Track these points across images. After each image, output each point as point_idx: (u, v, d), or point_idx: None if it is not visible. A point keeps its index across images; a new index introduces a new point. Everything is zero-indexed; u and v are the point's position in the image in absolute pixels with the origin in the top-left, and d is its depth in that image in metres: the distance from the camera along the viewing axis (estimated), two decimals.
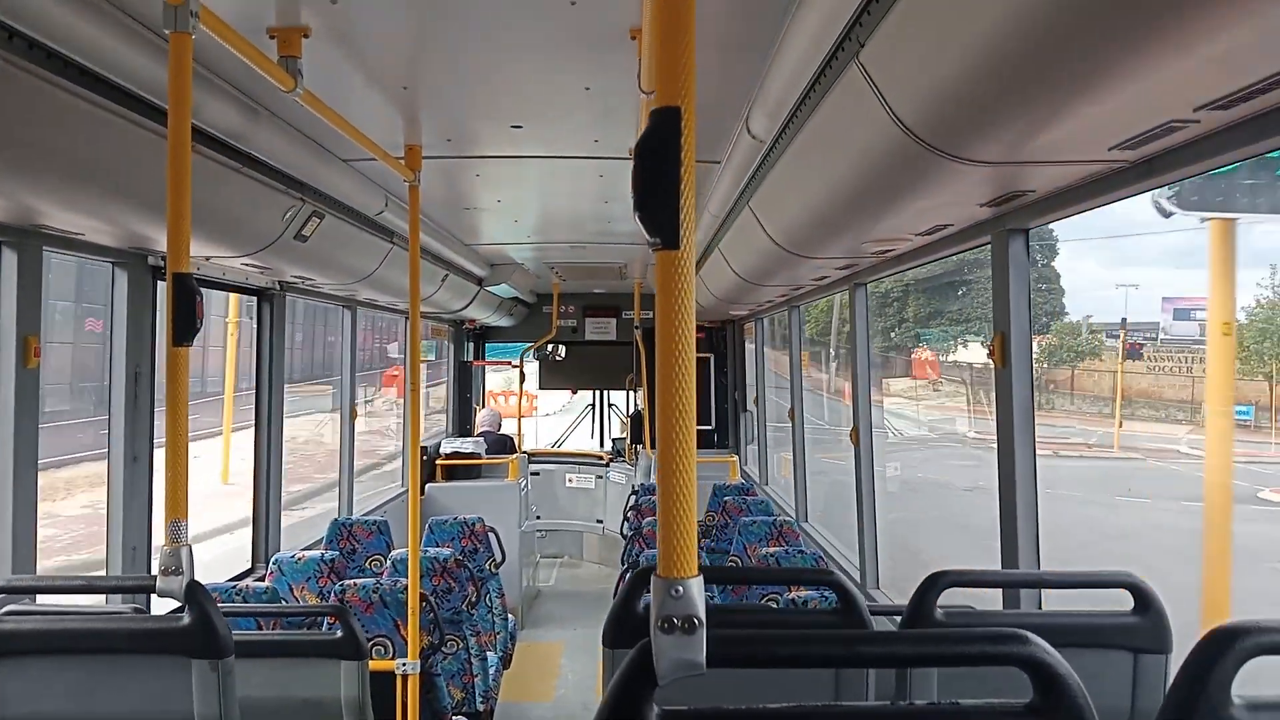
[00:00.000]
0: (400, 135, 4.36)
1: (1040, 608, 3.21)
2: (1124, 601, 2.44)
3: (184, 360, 2.32)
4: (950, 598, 2.50)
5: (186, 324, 2.28)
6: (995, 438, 3.41)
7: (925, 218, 3.46)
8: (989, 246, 3.48)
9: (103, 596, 4.19)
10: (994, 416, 3.50)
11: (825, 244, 4.30)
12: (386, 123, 4.15)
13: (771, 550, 5.28)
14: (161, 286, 4.42)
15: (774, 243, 4.54)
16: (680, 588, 1.20)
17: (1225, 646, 1.30)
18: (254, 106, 3.64)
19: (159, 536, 2.59)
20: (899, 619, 2.48)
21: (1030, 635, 1.20)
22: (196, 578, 2.29)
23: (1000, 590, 3.29)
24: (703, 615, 1.19)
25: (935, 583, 2.34)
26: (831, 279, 5.56)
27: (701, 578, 1.21)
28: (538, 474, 11.03)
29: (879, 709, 1.22)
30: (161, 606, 3.55)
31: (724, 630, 1.20)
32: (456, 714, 4.87)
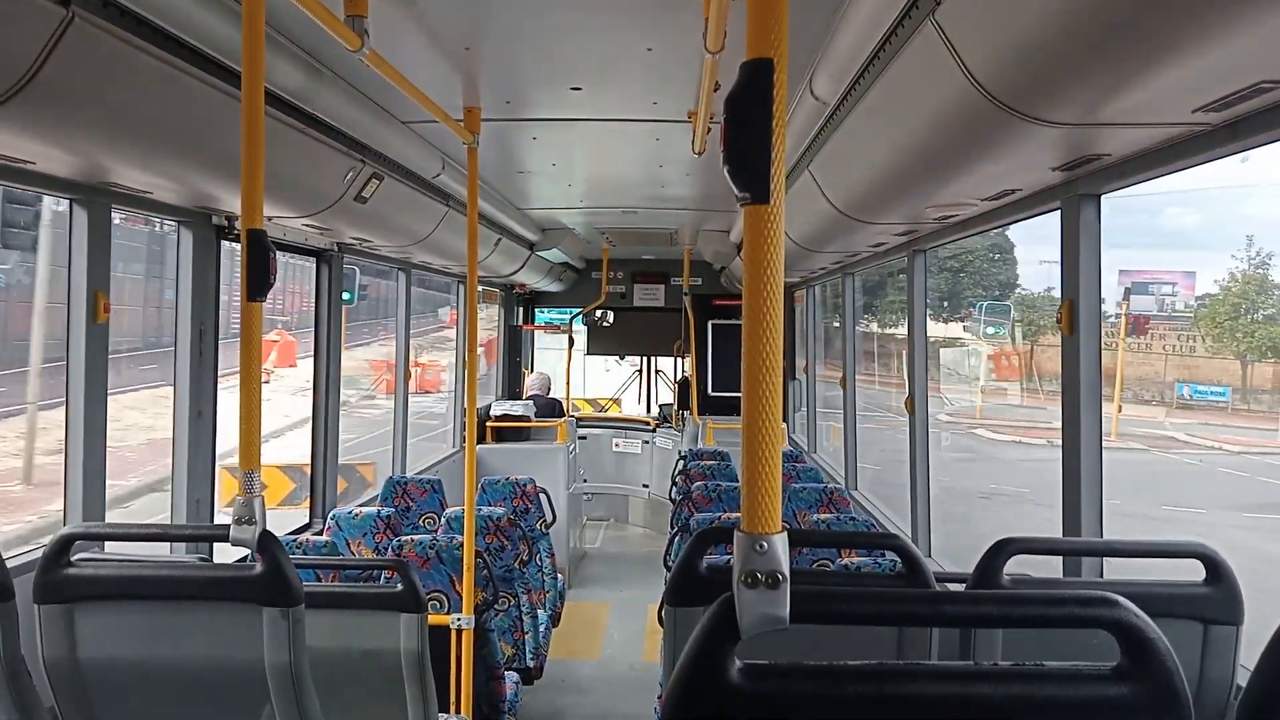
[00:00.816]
0: (460, 97, 4.37)
1: (1101, 576, 3.18)
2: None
3: (258, 315, 2.36)
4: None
5: (261, 279, 2.32)
6: (1061, 407, 3.36)
7: (993, 182, 3.39)
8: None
9: (167, 548, 4.31)
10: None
11: (887, 209, 4.24)
12: (447, 84, 4.15)
13: (822, 516, 5.27)
14: (224, 246, 4.50)
15: (833, 207, 4.48)
16: (765, 543, 1.20)
17: None
18: (318, 67, 3.66)
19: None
20: (963, 585, 2.47)
21: (1119, 599, 1.19)
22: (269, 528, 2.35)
23: (1060, 560, 3.25)
24: (786, 571, 1.19)
25: (1002, 549, 2.32)
26: (889, 245, 5.48)
27: (785, 534, 1.21)
28: (585, 438, 11.11)
29: (961, 668, 1.21)
30: (225, 559, 3.66)
31: (806, 585, 1.21)
32: (508, 669, 4.96)
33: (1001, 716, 1.19)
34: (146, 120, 3.05)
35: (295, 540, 4.32)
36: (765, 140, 1.17)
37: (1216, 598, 2.33)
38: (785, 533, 1.21)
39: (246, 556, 2.43)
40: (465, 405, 4.72)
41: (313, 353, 5.86)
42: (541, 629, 5.78)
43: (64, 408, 3.66)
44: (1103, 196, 3.31)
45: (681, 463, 7.69)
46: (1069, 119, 2.49)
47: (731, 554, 1.24)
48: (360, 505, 5.57)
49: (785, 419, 10.52)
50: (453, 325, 10.53)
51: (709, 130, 4.39)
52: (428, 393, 16.36)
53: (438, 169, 5.31)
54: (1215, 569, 2.35)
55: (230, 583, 2.39)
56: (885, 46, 3.02)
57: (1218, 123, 2.48)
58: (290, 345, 18.97)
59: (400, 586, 3.32)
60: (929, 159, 3.18)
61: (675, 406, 11.54)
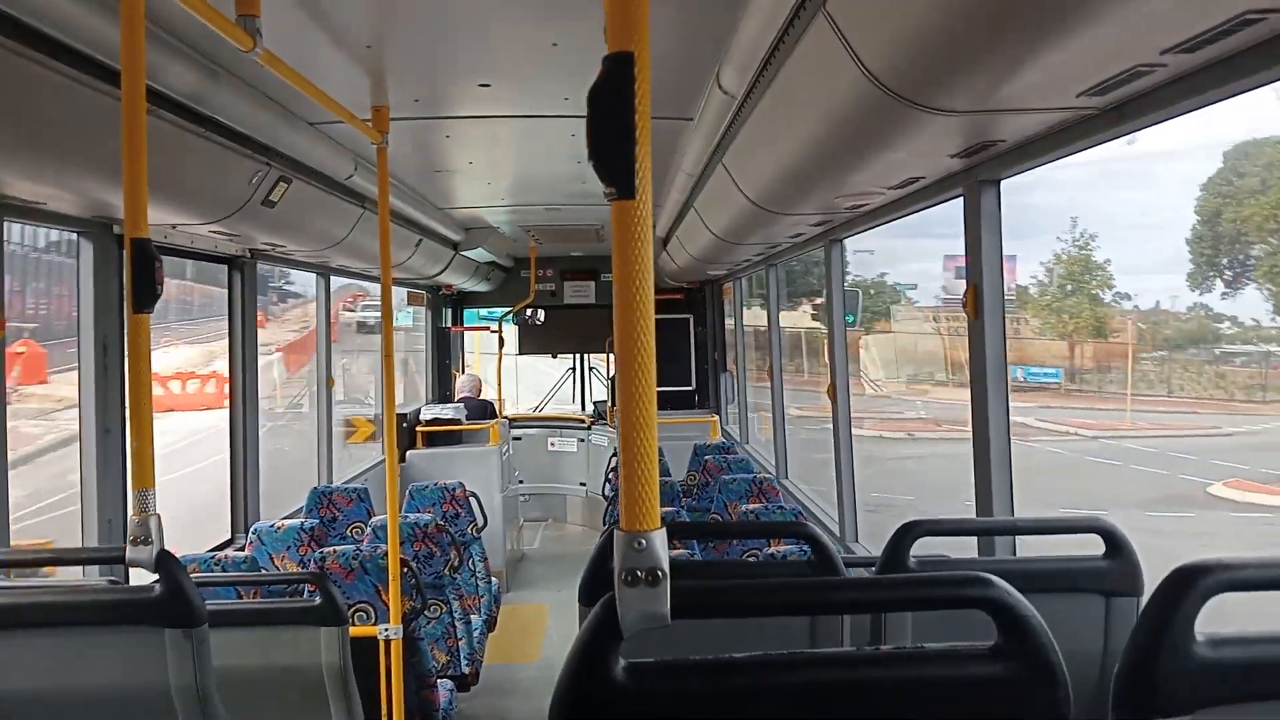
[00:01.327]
0: (366, 96, 4.29)
1: (1015, 555, 3.25)
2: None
3: (146, 328, 2.28)
4: (926, 549, 2.52)
5: (147, 291, 2.24)
6: (969, 389, 3.43)
7: (897, 170, 3.45)
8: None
9: (79, 571, 4.17)
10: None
11: (799, 200, 4.28)
12: (352, 83, 4.07)
13: (752, 507, 5.31)
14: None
15: (749, 200, 4.52)
16: (643, 540, 1.19)
17: (1189, 584, 1.32)
18: (213, 68, 3.56)
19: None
20: (873, 570, 2.50)
21: (993, 578, 1.21)
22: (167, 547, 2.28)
23: (976, 542, 3.32)
24: (666, 567, 1.19)
25: (908, 532, 2.35)
26: (807, 236, 5.54)
27: (665, 530, 1.21)
28: (519, 438, 11.04)
29: (842, 654, 1.23)
30: (139, 579, 3.54)
31: (687, 581, 1.20)
32: (441, 677, 4.90)
33: (887, 699, 1.21)
34: (29, 128, 2.94)
35: (215, 557, 4.21)
36: (628, 135, 1.17)
37: (1116, 570, 2.39)
38: (664, 529, 1.21)
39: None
40: (385, 410, 4.66)
41: (228, 363, 5.71)
42: (476, 634, 5.72)
43: None
44: (1002, 182, 3.38)
45: (614, 459, 7.69)
46: (962, 107, 2.53)
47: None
48: (284, 518, 5.45)
49: (719, 412, 10.59)
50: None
51: None
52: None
53: (350, 170, 5.21)
54: (1114, 542, 2.42)
55: (129, 605, 2.31)
56: (784, 39, 3.05)
57: (1101, 106, 2.55)
58: (38, 357, 14.70)
59: (319, 600, 3.26)
60: (833, 150, 3.21)
61: (609, 403, 11.53)
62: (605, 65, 1.19)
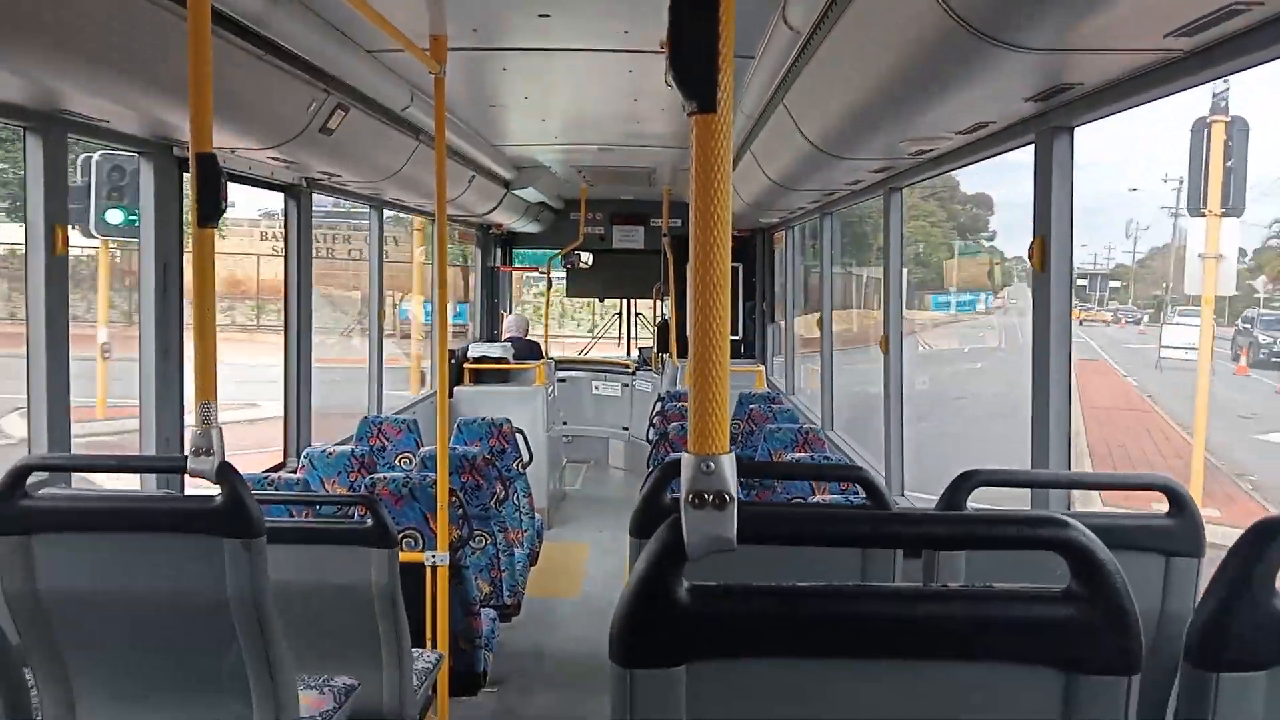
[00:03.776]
0: (425, 24, 4.25)
1: (1069, 509, 3.20)
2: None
3: (210, 242, 2.30)
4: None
5: (212, 205, 2.26)
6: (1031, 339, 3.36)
7: (967, 113, 3.34)
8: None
9: (136, 483, 4.29)
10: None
11: (862, 144, 4.18)
12: (411, 10, 4.03)
13: (797, 455, 5.29)
14: (188, 179, 4.40)
15: (809, 143, 4.42)
16: (711, 463, 1.18)
17: (1271, 538, 1.28)
18: None
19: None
20: None
21: (1070, 519, 1.18)
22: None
23: (1030, 496, 3.28)
24: (734, 491, 1.18)
25: (965, 481, 2.32)
26: (866, 183, 5.43)
27: (733, 455, 1.20)
28: (564, 381, 11.08)
29: (910, 589, 1.21)
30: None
31: (754, 505, 1.19)
32: (485, 606, 5.00)
33: (953, 636, 1.19)
34: (98, 42, 2.95)
35: (267, 478, 4.30)
36: (712, 43, 1.13)
37: (1179, 529, 2.34)
38: (733, 454, 1.19)
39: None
40: (437, 345, 4.70)
41: (283, 290, 5.78)
42: (519, 567, 5.81)
43: (25, 341, 3.61)
44: (1075, 130, 3.27)
45: (660, 404, 7.69)
46: (1041, 44, 2.44)
47: None
48: (335, 445, 5.55)
49: (764, 362, 10.53)
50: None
51: None
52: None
53: (406, 101, 5.19)
54: (1178, 501, 2.36)
55: (189, 514, 2.36)
56: None
57: (1189, 49, 2.44)
58: None
59: (371, 522, 3.32)
60: (902, 89, 3.12)
61: (654, 349, 11.51)
62: None
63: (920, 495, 5.14)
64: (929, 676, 1.20)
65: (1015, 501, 3.45)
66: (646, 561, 1.18)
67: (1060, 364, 3.28)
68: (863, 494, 3.44)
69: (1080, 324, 23.82)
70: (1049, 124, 3.23)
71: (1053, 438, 3.22)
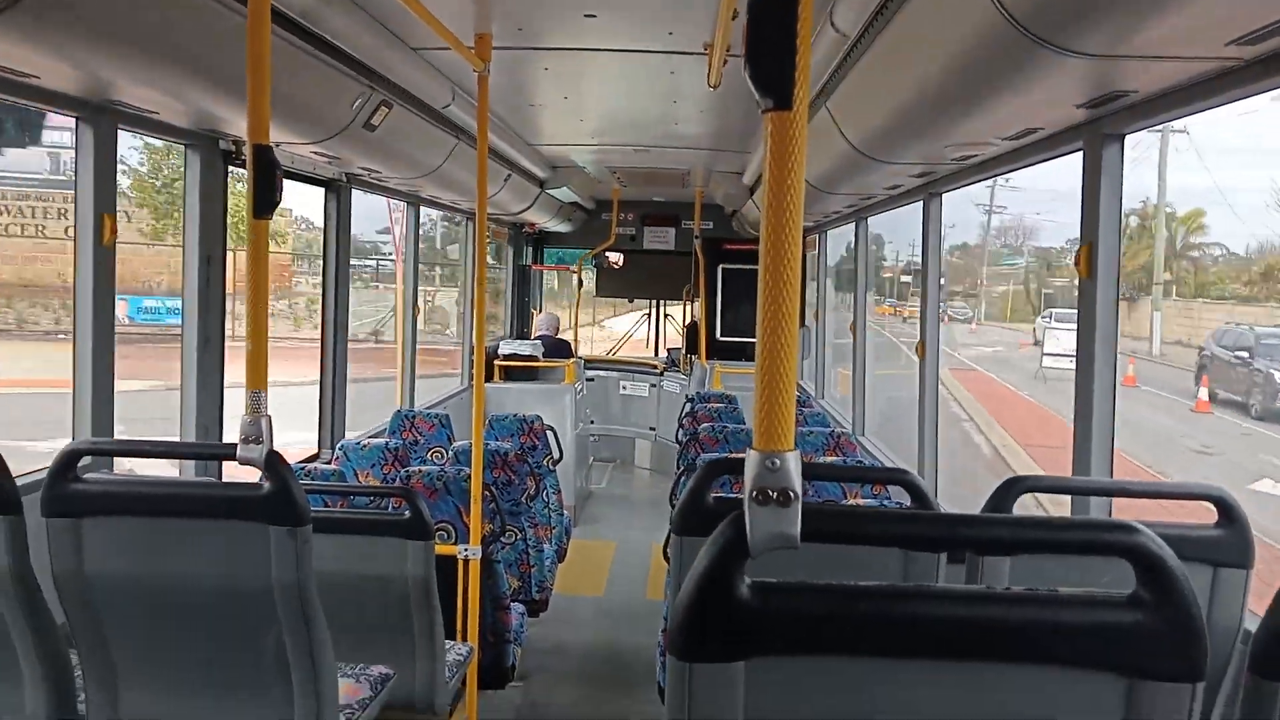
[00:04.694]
0: (471, 22, 4.27)
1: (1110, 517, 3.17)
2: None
3: (265, 233, 2.33)
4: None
5: (267, 196, 2.29)
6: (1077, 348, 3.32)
7: (1016, 119, 3.31)
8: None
9: (175, 470, 4.34)
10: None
11: (905, 148, 4.16)
12: (458, 8, 4.05)
13: (829, 459, 5.27)
14: (232, 171, 4.46)
15: (851, 146, 4.40)
16: (777, 460, 1.18)
17: None
18: None
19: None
20: None
21: (1138, 525, 1.17)
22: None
23: (1069, 500, 3.25)
24: (799, 488, 1.18)
25: (1012, 487, 2.30)
26: (905, 188, 5.40)
27: (799, 452, 1.19)
28: (593, 380, 11.11)
29: (973, 591, 1.20)
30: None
31: (817, 503, 1.19)
32: (514, 600, 5.02)
33: (1015, 639, 1.18)
34: (151, 35, 2.99)
35: (304, 468, 4.34)
36: (790, 42, 1.13)
37: (1228, 540, 2.31)
38: (798, 451, 1.19)
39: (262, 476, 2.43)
40: (474, 342, 4.72)
41: (321, 283, 5.83)
42: (547, 563, 5.83)
43: (72, 328, 3.67)
44: (1126, 137, 3.23)
45: (689, 405, 7.69)
46: (1097, 49, 2.41)
47: (740, 490, 1.22)
48: (369, 437, 5.60)
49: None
50: None
51: (725, 63, 4.29)
52: None
53: (448, 99, 5.23)
54: (1228, 511, 2.33)
55: (237, 501, 2.39)
56: None
57: (1250, 58, 2.40)
58: None
59: (408, 514, 3.34)
60: (952, 93, 3.10)
61: (683, 351, 11.51)
62: None
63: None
64: (989, 679, 1.19)
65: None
66: (709, 557, 1.18)
67: (1105, 372, 3.24)
68: (894, 500, 3.42)
69: (904, 321, 23.13)
70: (1100, 131, 3.19)
71: (1095, 445, 3.19)
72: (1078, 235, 3.38)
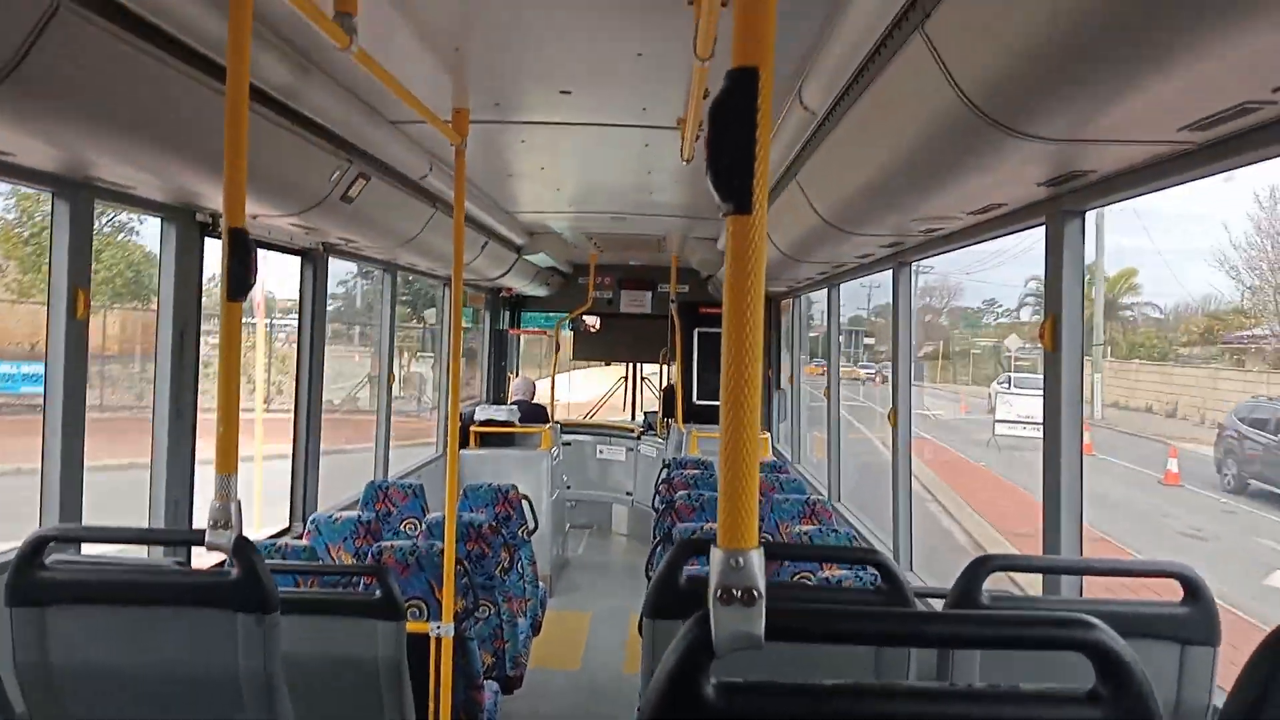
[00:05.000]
0: (448, 98, 4.35)
1: (1080, 595, 3.17)
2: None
3: (238, 315, 2.33)
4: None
5: (241, 280, 2.29)
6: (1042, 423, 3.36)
7: (979, 196, 3.40)
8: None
9: (144, 551, 4.26)
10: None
11: (873, 220, 4.24)
12: (436, 85, 4.13)
13: (804, 528, 5.25)
14: (209, 244, 4.46)
15: (820, 218, 4.49)
16: (741, 559, 1.18)
17: None
18: (306, 64, 3.63)
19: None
20: (941, 601, 2.46)
21: (1096, 621, 1.18)
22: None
23: (1039, 577, 3.25)
24: (762, 588, 1.18)
25: (982, 566, 2.31)
26: (875, 257, 5.49)
27: (762, 550, 1.20)
28: (569, 444, 11.06)
29: (938, 689, 1.20)
30: (202, 563, 3.61)
31: (780, 604, 1.19)
32: (487, 678, 4.92)
33: None
34: (130, 114, 3.02)
35: (274, 544, 4.27)
36: (748, 150, 1.16)
37: (1194, 618, 2.32)
38: (762, 548, 1.20)
39: (224, 561, 2.40)
40: (449, 409, 4.70)
41: (295, 353, 5.81)
42: (522, 638, 5.74)
43: (41, 407, 3.62)
44: (1086, 213, 3.32)
45: (665, 471, 7.67)
46: (1055, 134, 2.49)
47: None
48: (341, 510, 5.53)
49: (769, 429, 10.52)
50: None
51: (697, 138, 4.38)
52: None
53: (425, 170, 5.29)
54: (1194, 589, 2.35)
55: (205, 588, 2.35)
56: (875, 57, 3.03)
57: (1201, 142, 2.49)
58: None
59: (379, 593, 3.29)
60: (916, 171, 3.18)
61: (660, 414, 11.51)
62: (729, 79, 1.18)
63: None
64: None
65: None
66: (675, 659, 1.17)
67: (1072, 445, 3.28)
68: (870, 571, 3.41)
69: (862, 383, 23.26)
70: (1060, 208, 3.28)
71: (1064, 521, 3.21)
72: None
